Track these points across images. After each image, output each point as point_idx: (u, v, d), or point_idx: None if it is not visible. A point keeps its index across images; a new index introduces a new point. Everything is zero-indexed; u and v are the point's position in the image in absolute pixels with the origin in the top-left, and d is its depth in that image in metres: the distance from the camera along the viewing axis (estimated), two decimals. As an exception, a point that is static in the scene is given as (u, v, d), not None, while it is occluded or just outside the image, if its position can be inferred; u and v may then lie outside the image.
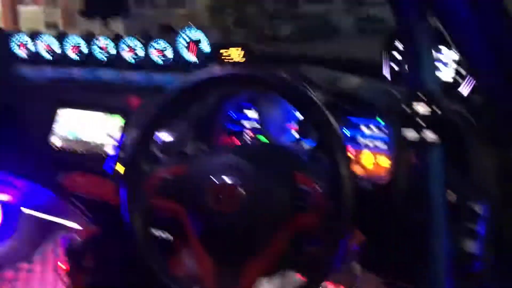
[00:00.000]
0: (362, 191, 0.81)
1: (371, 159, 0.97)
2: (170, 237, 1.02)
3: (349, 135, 0.99)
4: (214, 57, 1.32)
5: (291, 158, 0.85)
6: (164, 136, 1.01)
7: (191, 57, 1.37)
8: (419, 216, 0.73)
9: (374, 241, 0.84)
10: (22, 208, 1.81)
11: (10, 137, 1.30)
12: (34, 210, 1.80)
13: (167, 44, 1.39)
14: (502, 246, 0.81)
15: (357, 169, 0.95)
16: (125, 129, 1.16)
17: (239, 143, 1.10)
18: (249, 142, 1.06)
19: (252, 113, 1.10)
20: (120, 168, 1.08)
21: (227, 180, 0.76)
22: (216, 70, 0.82)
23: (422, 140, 0.68)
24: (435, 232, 0.72)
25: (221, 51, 1.31)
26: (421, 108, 0.68)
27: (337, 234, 0.73)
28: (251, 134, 1.10)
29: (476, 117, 0.90)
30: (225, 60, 1.31)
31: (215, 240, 0.80)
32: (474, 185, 0.84)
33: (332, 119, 0.74)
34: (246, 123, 1.11)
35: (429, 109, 0.67)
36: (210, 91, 0.96)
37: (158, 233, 1.01)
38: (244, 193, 0.75)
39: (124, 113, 1.18)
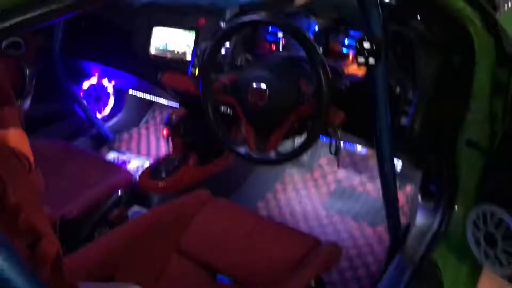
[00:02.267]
0: (346, 86, 1.33)
1: (355, 65, 1.44)
2: (230, 114, 1.58)
3: (346, 43, 1.46)
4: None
5: (299, 68, 1.35)
6: (223, 51, 1.55)
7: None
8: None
9: (351, 117, 1.36)
10: (130, 90, 2.48)
11: (121, 46, 1.88)
12: (135, 90, 2.46)
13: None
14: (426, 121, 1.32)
15: (347, 69, 1.44)
16: (196, 41, 1.69)
17: (274, 49, 1.60)
18: (275, 54, 1.55)
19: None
20: (195, 71, 1.63)
21: (259, 85, 1.31)
22: (255, 15, 1.32)
23: (367, 62, 1.16)
24: (381, 112, 1.24)
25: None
26: (366, 44, 1.15)
27: (320, 115, 1.26)
28: (283, 42, 1.59)
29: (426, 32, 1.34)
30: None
31: (254, 120, 1.37)
32: (414, 82, 1.31)
33: (316, 48, 1.22)
34: (279, 34, 1.60)
35: (370, 45, 1.14)
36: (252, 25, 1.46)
37: (223, 110, 1.58)
38: (267, 93, 1.30)
39: (196, 30, 1.70)
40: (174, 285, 1.31)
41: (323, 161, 2.15)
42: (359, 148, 2.06)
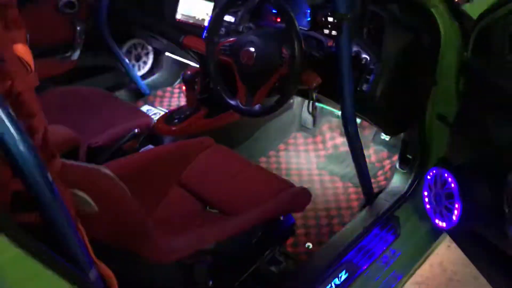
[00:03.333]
0: (321, 53, 1.58)
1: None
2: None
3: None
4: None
5: (282, 37, 1.60)
6: (229, 18, 1.82)
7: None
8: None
9: (327, 82, 1.60)
10: (166, 52, 2.81)
11: (154, 11, 2.20)
12: (172, 54, 2.78)
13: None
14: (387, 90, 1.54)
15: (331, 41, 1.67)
16: (213, 11, 1.98)
17: (279, 21, 1.85)
18: (271, 25, 1.80)
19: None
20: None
21: (249, 48, 1.58)
22: None
23: (330, 34, 1.40)
24: (345, 77, 1.47)
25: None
26: (330, 19, 1.39)
27: (293, 75, 1.51)
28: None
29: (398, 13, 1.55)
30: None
31: (244, 78, 1.64)
32: (379, 54, 1.53)
33: (293, 21, 1.47)
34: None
35: (333, 20, 1.38)
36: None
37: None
38: (254, 55, 1.56)
39: (214, 1, 1.98)
40: (171, 210, 1.62)
41: (325, 128, 2.39)
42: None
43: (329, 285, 1.53)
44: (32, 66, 0.84)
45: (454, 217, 1.54)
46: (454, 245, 1.73)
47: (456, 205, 1.52)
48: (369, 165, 2.08)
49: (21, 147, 0.72)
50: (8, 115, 0.70)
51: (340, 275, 1.56)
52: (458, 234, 1.62)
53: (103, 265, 0.93)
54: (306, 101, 1.76)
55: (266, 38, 1.60)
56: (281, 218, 1.59)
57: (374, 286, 1.63)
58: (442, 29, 1.53)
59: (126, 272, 1.07)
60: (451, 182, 1.52)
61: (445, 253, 2.12)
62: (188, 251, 1.31)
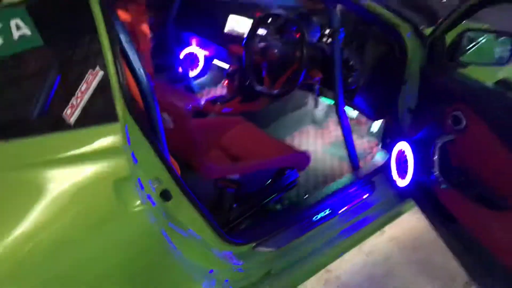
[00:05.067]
0: (320, 54, 2.29)
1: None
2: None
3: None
4: None
5: (296, 45, 2.31)
6: (261, 31, 2.56)
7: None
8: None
9: (325, 75, 2.29)
10: (214, 60, 3.58)
11: (210, 24, 2.97)
12: (218, 61, 3.55)
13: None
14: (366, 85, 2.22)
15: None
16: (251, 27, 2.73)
17: (297, 36, 2.57)
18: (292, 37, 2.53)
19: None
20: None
21: (274, 50, 2.31)
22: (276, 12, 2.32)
23: (327, 42, 2.11)
24: (337, 74, 2.18)
25: None
26: (327, 31, 2.10)
27: (300, 70, 2.22)
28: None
29: (377, 31, 2.25)
30: None
31: (270, 70, 2.37)
32: (362, 59, 2.22)
33: (304, 33, 2.18)
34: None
35: (329, 32, 2.09)
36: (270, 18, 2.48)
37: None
38: (278, 55, 2.29)
39: (254, 18, 2.73)
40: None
41: (331, 122, 3.08)
42: (354, 113, 2.95)
43: (315, 216, 2.19)
44: (149, 37, 1.58)
45: (408, 177, 2.19)
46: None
47: (410, 168, 2.17)
48: (361, 151, 2.75)
49: (145, 81, 1.45)
50: (139, 62, 1.43)
51: (324, 211, 2.21)
52: (413, 192, 2.25)
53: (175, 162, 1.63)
54: (316, 101, 2.46)
55: (286, 45, 2.33)
56: (288, 171, 2.28)
57: (350, 223, 2.28)
58: (408, 44, 2.20)
59: (186, 181, 1.71)
60: (408, 151, 2.18)
61: (414, 222, 2.74)
62: (222, 174, 2.01)
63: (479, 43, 2.43)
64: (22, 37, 1.20)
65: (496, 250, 1.63)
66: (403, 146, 2.23)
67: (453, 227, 1.87)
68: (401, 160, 2.25)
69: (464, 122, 1.76)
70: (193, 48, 3.50)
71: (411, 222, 2.74)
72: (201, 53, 3.57)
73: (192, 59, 3.56)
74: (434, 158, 1.89)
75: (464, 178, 1.80)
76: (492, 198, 1.66)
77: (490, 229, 1.68)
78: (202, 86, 3.57)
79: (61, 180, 1.23)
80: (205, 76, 3.66)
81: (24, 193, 1.22)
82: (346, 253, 2.40)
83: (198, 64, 3.61)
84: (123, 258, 1.35)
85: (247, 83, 2.59)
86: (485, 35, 2.46)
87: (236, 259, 1.83)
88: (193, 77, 3.55)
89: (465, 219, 1.81)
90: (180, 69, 3.41)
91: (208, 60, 3.63)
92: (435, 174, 1.86)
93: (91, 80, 1.29)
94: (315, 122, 3.11)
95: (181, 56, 3.44)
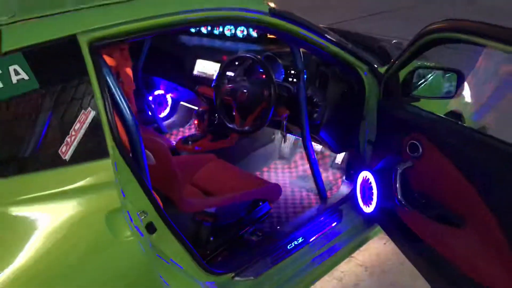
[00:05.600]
0: (286, 94, 2.46)
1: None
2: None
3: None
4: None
5: (264, 85, 2.48)
6: (230, 73, 2.72)
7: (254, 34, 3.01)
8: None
9: (290, 112, 2.46)
10: (181, 102, 3.71)
11: (177, 69, 3.12)
12: (185, 102, 3.68)
13: (244, 28, 3.04)
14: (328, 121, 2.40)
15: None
16: (220, 69, 2.89)
17: (264, 77, 2.75)
18: (259, 78, 2.71)
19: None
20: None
21: (243, 90, 2.46)
22: (242, 55, 2.50)
23: (292, 81, 2.29)
24: (302, 111, 2.35)
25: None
26: (292, 71, 2.28)
27: (268, 109, 2.38)
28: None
29: (337, 71, 2.45)
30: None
31: (239, 109, 2.52)
32: (324, 97, 2.41)
33: (271, 75, 2.36)
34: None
35: (294, 72, 2.28)
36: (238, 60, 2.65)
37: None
38: (247, 95, 2.45)
39: (221, 62, 2.90)
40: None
41: (298, 157, 3.24)
42: (318, 147, 3.12)
43: (290, 245, 2.30)
44: (132, 80, 1.70)
45: (373, 203, 2.35)
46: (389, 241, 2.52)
47: (374, 195, 2.33)
48: (327, 182, 2.91)
49: (130, 119, 1.56)
50: (125, 102, 1.55)
51: (297, 239, 2.33)
52: (379, 217, 2.41)
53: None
54: (284, 137, 2.62)
55: (254, 85, 2.49)
56: (261, 204, 2.40)
57: (321, 250, 2.40)
58: (366, 83, 2.41)
59: (168, 213, 1.81)
60: (371, 180, 2.34)
61: (382, 247, 2.89)
62: (200, 207, 2.11)
63: (429, 79, 2.69)
64: (20, 81, 1.29)
65: (458, 262, 1.79)
66: (367, 174, 2.40)
67: (418, 246, 2.03)
68: (366, 188, 2.41)
69: (420, 150, 1.94)
70: (161, 91, 3.63)
71: (379, 247, 2.89)
72: (168, 96, 3.70)
73: (160, 101, 3.68)
74: (396, 184, 2.05)
75: (425, 200, 1.97)
76: (450, 217, 1.83)
77: (451, 245, 1.84)
78: (171, 127, 3.69)
79: (58, 213, 1.31)
80: (173, 117, 3.78)
81: (21, 227, 1.28)
82: (318, 280, 2.51)
83: (166, 106, 3.73)
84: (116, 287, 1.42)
85: (216, 121, 2.72)
86: (433, 72, 2.73)
87: (218, 289, 1.91)
88: (162, 118, 3.66)
89: (428, 238, 1.97)
90: (150, 112, 3.52)
91: (175, 102, 3.76)
92: (398, 198, 2.02)
93: (84, 120, 1.39)
94: (282, 157, 3.26)
95: (150, 98, 3.55)
